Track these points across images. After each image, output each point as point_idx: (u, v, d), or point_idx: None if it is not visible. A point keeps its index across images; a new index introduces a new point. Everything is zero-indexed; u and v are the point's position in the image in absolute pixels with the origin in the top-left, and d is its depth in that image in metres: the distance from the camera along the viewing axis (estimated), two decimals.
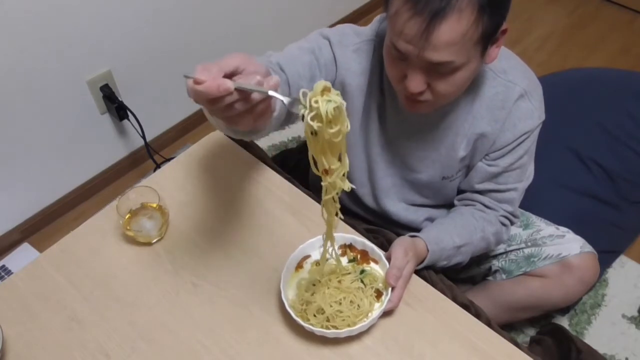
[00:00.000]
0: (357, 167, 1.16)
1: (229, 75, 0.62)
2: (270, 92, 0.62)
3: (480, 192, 1.11)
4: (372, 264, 0.97)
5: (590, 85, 1.99)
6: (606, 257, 1.62)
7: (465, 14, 0.78)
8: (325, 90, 0.64)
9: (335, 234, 0.91)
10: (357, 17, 2.55)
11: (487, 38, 0.84)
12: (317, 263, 0.97)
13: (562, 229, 1.28)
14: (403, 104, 0.96)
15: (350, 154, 1.09)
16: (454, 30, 0.79)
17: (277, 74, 0.92)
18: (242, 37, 2.09)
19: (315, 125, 0.64)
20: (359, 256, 0.97)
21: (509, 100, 1.00)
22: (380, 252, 0.96)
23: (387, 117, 1.06)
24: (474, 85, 1.00)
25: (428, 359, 0.90)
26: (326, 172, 0.70)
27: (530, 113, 1.01)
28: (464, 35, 0.80)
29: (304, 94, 0.65)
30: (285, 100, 0.65)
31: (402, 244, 0.97)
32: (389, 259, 0.95)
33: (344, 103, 0.65)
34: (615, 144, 1.76)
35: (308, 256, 0.98)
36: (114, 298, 0.98)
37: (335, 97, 0.64)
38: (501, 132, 1.02)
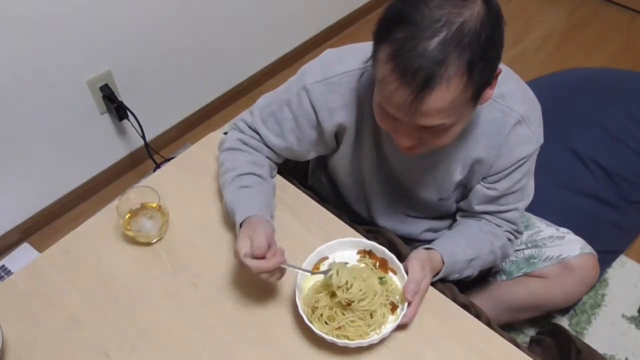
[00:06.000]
0: (352, 187, 1.17)
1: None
2: (310, 273, 0.94)
3: (482, 213, 1.10)
4: (391, 274, 0.96)
5: (590, 85, 1.99)
6: (606, 257, 1.62)
7: (454, 81, 0.75)
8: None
9: (355, 239, 1.01)
10: (358, 17, 2.55)
11: (481, 91, 0.81)
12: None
13: (562, 229, 1.27)
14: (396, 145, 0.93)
15: (344, 175, 1.16)
16: (444, 98, 0.76)
17: (254, 138, 1.09)
18: (242, 37, 2.09)
19: (345, 297, 0.88)
20: (377, 264, 0.97)
21: (506, 126, 0.97)
22: (399, 263, 0.95)
23: (382, 137, 1.04)
24: None
25: (428, 359, 0.90)
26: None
27: (528, 139, 0.99)
28: (454, 100, 0.78)
29: (332, 267, 0.91)
30: (323, 274, 0.93)
31: (418, 258, 0.96)
32: (406, 271, 0.94)
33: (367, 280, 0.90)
34: (615, 144, 1.76)
35: (325, 257, 0.97)
36: (114, 298, 0.98)
37: (361, 279, 0.89)
38: (498, 157, 1.00)
